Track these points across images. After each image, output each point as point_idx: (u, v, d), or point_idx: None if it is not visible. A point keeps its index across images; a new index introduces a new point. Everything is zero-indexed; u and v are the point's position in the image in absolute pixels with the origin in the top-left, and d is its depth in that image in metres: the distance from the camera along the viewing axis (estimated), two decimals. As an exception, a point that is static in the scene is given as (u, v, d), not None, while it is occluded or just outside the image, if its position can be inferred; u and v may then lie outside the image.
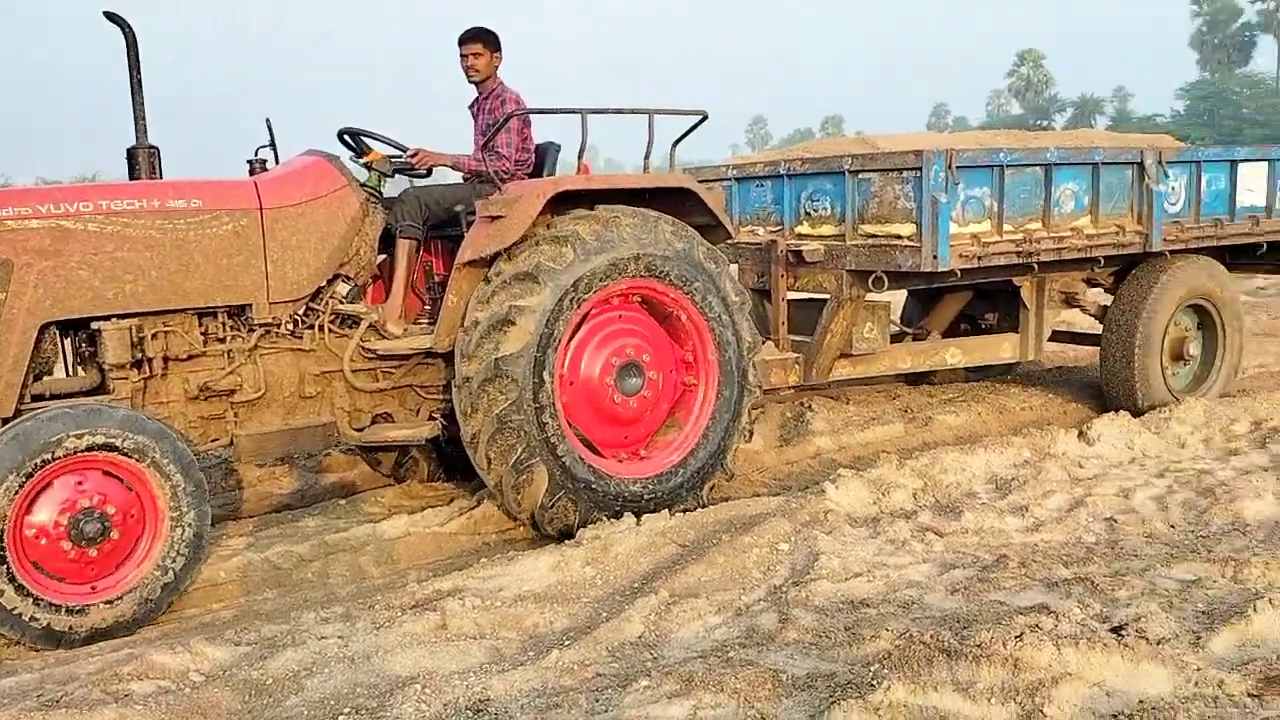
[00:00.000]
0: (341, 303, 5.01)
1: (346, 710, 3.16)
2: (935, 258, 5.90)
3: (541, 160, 5.66)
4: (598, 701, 3.11)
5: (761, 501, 5.14)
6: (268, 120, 5.32)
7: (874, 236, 6.18)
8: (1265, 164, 7.37)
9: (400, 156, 5.34)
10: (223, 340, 4.74)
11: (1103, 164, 6.55)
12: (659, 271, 5.06)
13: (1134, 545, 4.37)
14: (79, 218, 4.29)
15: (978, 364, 7.46)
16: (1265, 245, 7.55)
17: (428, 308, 5.43)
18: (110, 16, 4.59)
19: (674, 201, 5.27)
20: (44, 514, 4.02)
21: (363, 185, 5.07)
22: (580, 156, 5.16)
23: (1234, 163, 7.22)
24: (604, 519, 4.89)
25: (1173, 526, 4.68)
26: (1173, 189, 6.88)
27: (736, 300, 5.35)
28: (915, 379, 8.10)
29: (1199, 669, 3.01)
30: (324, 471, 6.23)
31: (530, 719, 3.01)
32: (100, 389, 4.53)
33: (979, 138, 7.68)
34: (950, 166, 5.90)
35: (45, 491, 4.03)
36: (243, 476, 5.99)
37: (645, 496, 5.05)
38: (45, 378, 4.52)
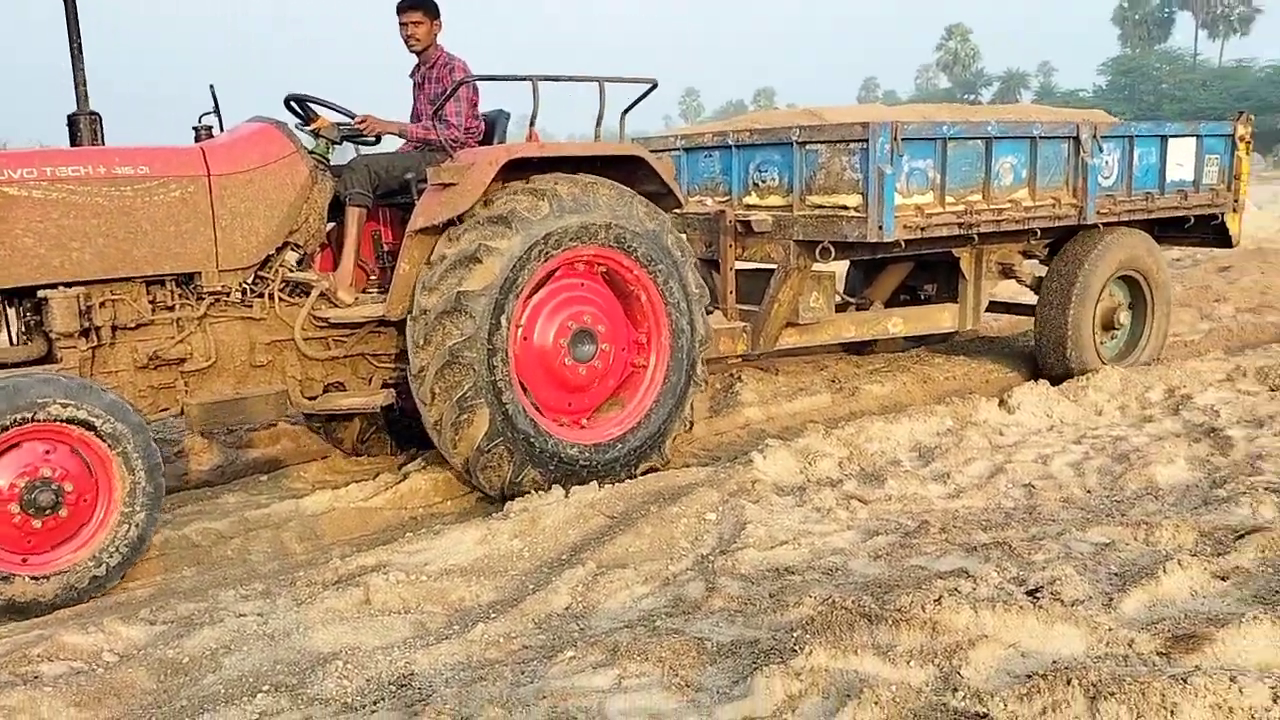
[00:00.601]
0: (291, 271, 4.94)
1: (266, 688, 3.10)
2: (881, 228, 5.97)
3: (491, 128, 5.65)
4: (523, 673, 3.10)
5: (690, 472, 5.16)
6: (211, 87, 5.21)
7: (821, 207, 6.24)
8: (1193, 139, 7.55)
9: (348, 124, 5.26)
10: (171, 309, 4.69)
11: (1040, 138, 6.66)
12: (628, 245, 5.12)
13: (1051, 510, 4.47)
14: (23, 184, 4.21)
15: (919, 333, 7.58)
16: (1192, 219, 7.76)
17: (374, 277, 5.39)
18: None
19: (625, 170, 5.28)
20: (2, 475, 3.93)
21: (311, 152, 5.01)
22: (531, 124, 5.13)
23: (1164, 138, 7.38)
24: (536, 478, 4.90)
25: (1089, 491, 4.80)
26: (1106, 163, 7.03)
27: (696, 292, 5.42)
28: (853, 348, 8.21)
29: (1110, 629, 3.09)
30: (246, 447, 6.10)
31: (454, 692, 2.99)
32: (47, 358, 4.45)
33: (922, 110, 7.76)
34: (895, 139, 5.95)
35: (11, 451, 3.95)
36: (160, 452, 5.83)
37: (580, 462, 5.06)
38: None
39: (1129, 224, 7.38)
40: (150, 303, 4.64)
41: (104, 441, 4.05)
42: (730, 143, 6.76)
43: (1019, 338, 8.96)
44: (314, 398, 5.08)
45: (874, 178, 5.92)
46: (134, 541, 4.16)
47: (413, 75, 5.65)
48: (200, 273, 4.68)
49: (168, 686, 3.21)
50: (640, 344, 5.41)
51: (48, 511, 3.99)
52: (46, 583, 4.00)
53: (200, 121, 5.09)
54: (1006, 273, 7.30)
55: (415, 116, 5.60)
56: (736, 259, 6.52)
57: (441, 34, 5.52)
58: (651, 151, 5.45)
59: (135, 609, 3.84)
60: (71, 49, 4.57)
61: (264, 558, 4.62)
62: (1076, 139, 6.82)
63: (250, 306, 4.87)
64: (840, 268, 7.53)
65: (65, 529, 4.07)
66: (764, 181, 6.58)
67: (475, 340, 4.68)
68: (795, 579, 3.77)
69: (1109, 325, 7.36)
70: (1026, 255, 7.39)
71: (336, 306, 5.00)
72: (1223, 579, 3.51)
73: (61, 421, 3.96)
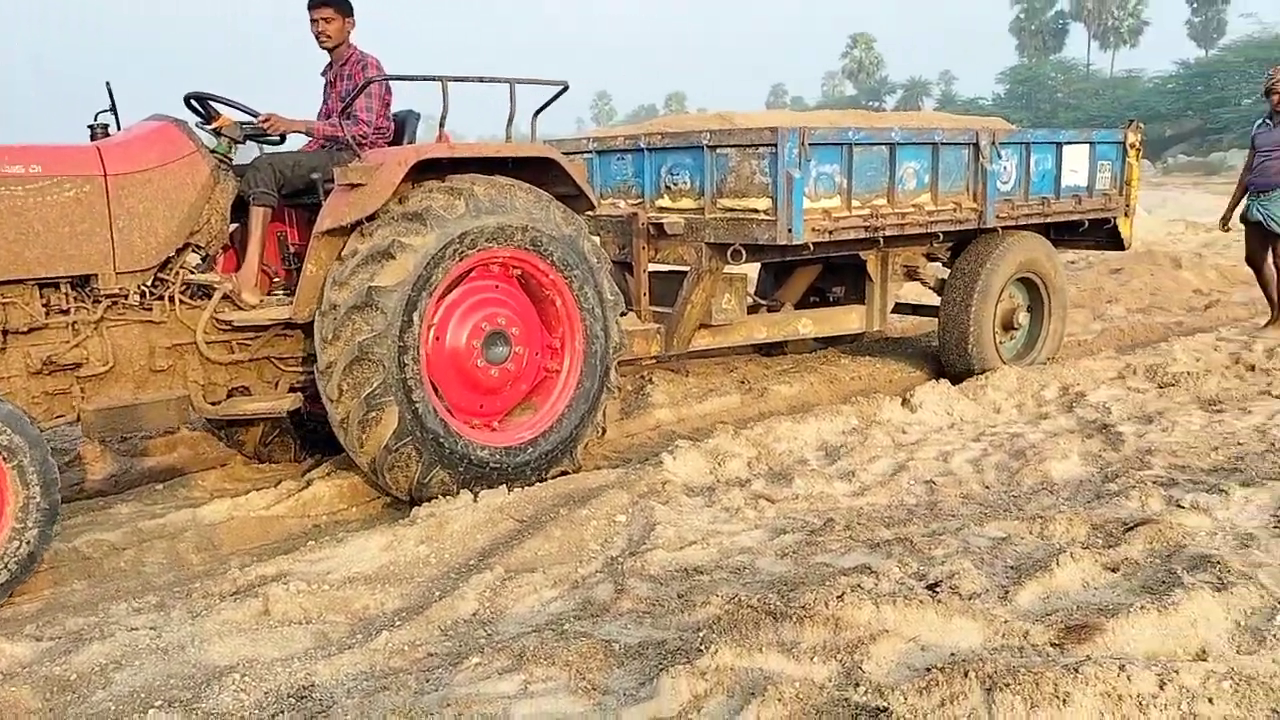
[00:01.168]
0: (192, 272, 4.81)
1: (158, 703, 3.00)
2: (790, 231, 6.06)
3: (401, 129, 5.57)
4: (427, 681, 3.05)
5: (600, 474, 5.15)
6: (108, 84, 5.03)
7: (732, 210, 6.31)
8: (1087, 147, 7.82)
9: (251, 122, 5.12)
10: (66, 312, 4.52)
11: (942, 144, 6.83)
12: (544, 249, 5.11)
13: (951, 506, 4.57)
14: None
15: (828, 334, 7.70)
16: (1087, 223, 8.06)
17: (279, 279, 5.27)
18: None
19: (537, 171, 5.26)
20: None
21: (213, 152, 4.88)
22: (442, 125, 5.08)
23: (1059, 145, 7.63)
24: (444, 479, 4.83)
25: (987, 487, 4.92)
26: (1005, 169, 7.24)
27: (611, 299, 5.42)
28: (764, 349, 8.31)
29: (1006, 621, 3.16)
30: (142, 455, 5.90)
31: (356, 702, 2.93)
32: None
33: (829, 117, 7.90)
34: (804, 144, 6.05)
35: None
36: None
37: (490, 464, 5.00)
38: None
39: (1027, 228, 7.61)
40: (44, 306, 4.47)
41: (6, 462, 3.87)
42: (642, 146, 6.79)
43: (921, 338, 9.17)
44: (217, 403, 4.95)
45: (783, 182, 6.01)
46: (24, 559, 3.96)
47: (324, 73, 5.56)
48: (96, 275, 4.53)
49: (54, 705, 3.08)
50: (554, 349, 5.38)
51: None
52: None
53: (96, 120, 4.94)
54: (911, 275, 7.47)
55: (325, 115, 5.49)
56: (649, 261, 6.55)
57: (354, 32, 5.45)
58: (564, 154, 5.45)
59: (21, 625, 3.68)
60: None
61: (159, 569, 4.46)
62: (976, 146, 7.01)
63: (150, 309, 4.73)
64: (751, 270, 7.61)
65: None
66: (676, 185, 6.62)
67: (386, 336, 4.59)
68: (703, 579, 3.78)
69: (1008, 325, 7.57)
70: (930, 258, 7.57)
71: (240, 308, 4.87)
72: (1113, 570, 3.62)
73: None
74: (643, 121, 8.83)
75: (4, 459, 3.88)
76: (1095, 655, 2.89)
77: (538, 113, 5.44)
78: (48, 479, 3.99)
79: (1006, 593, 3.44)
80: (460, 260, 4.84)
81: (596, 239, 5.46)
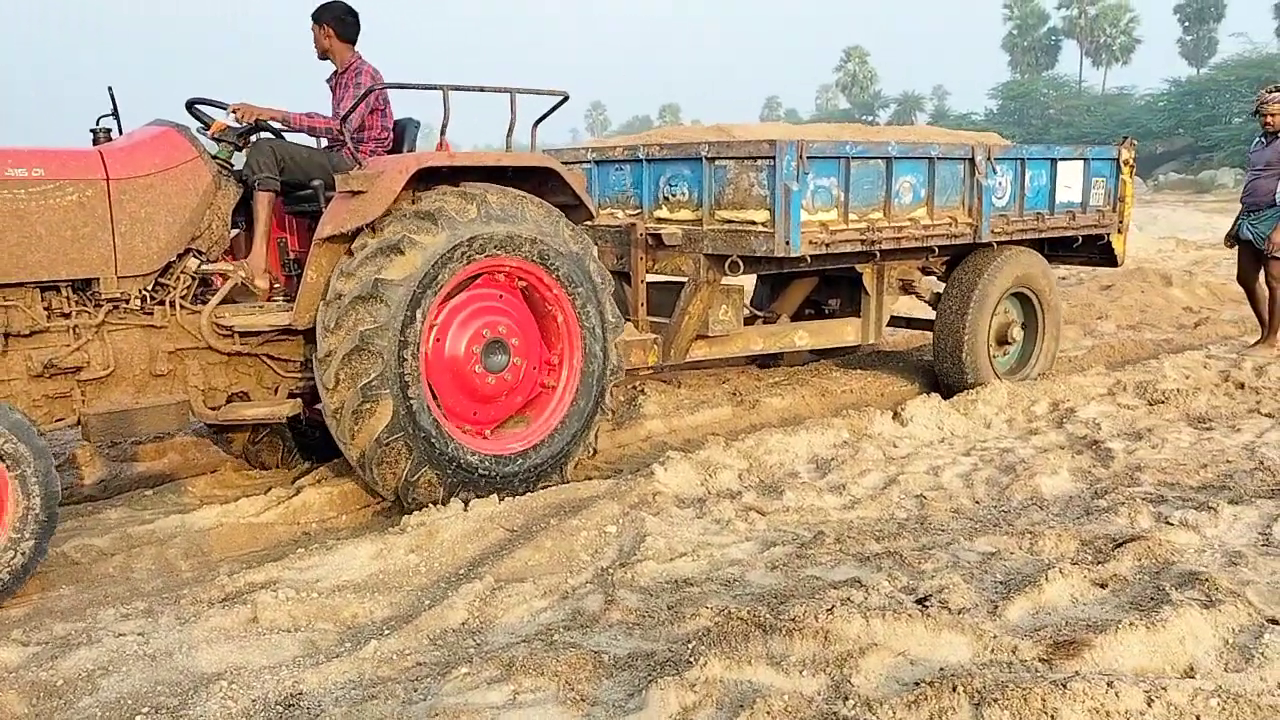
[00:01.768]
0: (206, 263, 4.87)
1: (145, 710, 2.99)
2: (788, 243, 6.07)
3: (400, 137, 5.63)
4: (415, 691, 3.05)
5: (591, 485, 5.15)
6: (110, 89, 5.08)
7: (730, 222, 6.33)
8: (1081, 163, 7.86)
9: (239, 123, 5.17)
10: (67, 315, 4.54)
11: (938, 159, 6.85)
12: (550, 263, 5.15)
13: (941, 520, 4.58)
14: None
15: (823, 346, 7.72)
16: (1080, 238, 8.09)
17: (278, 285, 5.29)
18: None
19: (536, 181, 5.29)
20: None
21: (214, 157, 4.92)
22: (443, 133, 5.10)
23: (1054, 161, 7.67)
24: (432, 480, 4.83)
25: (977, 502, 4.94)
26: (1000, 184, 7.27)
27: (613, 321, 5.46)
28: (759, 360, 8.36)
29: (995, 636, 3.17)
30: (132, 460, 5.89)
31: (343, 711, 2.92)
32: None
33: (826, 130, 7.93)
34: (801, 156, 6.07)
35: None
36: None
37: (479, 470, 5.00)
38: None
39: (1022, 243, 7.65)
40: (45, 309, 4.49)
41: (2, 462, 3.85)
42: (641, 157, 6.81)
43: (912, 352, 9.19)
44: (217, 408, 4.95)
45: (781, 194, 6.03)
46: (17, 570, 3.92)
47: (329, 81, 5.66)
48: (98, 279, 4.55)
49: (41, 710, 3.07)
50: (552, 365, 5.40)
51: None
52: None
53: (98, 124, 4.97)
54: (906, 289, 7.49)
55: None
56: (647, 271, 6.58)
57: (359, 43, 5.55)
58: (563, 163, 5.47)
59: (7, 630, 3.65)
60: None
61: (147, 575, 4.44)
62: (972, 160, 7.04)
63: (150, 314, 4.75)
64: (747, 282, 7.64)
65: None
66: (674, 196, 6.64)
67: (388, 329, 4.60)
68: (693, 590, 3.78)
69: (1003, 340, 7.60)
70: (925, 272, 7.61)
71: (244, 310, 4.90)
72: (1102, 586, 3.64)
73: None
74: (637, 132, 8.88)
75: (7, 467, 3.86)
76: (1084, 671, 2.91)
77: (537, 122, 5.48)
78: (49, 491, 3.97)
79: (996, 608, 3.45)
80: (468, 263, 4.86)
81: (602, 265, 5.52)
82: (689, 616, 3.42)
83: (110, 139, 4.92)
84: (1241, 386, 7.07)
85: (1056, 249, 8.26)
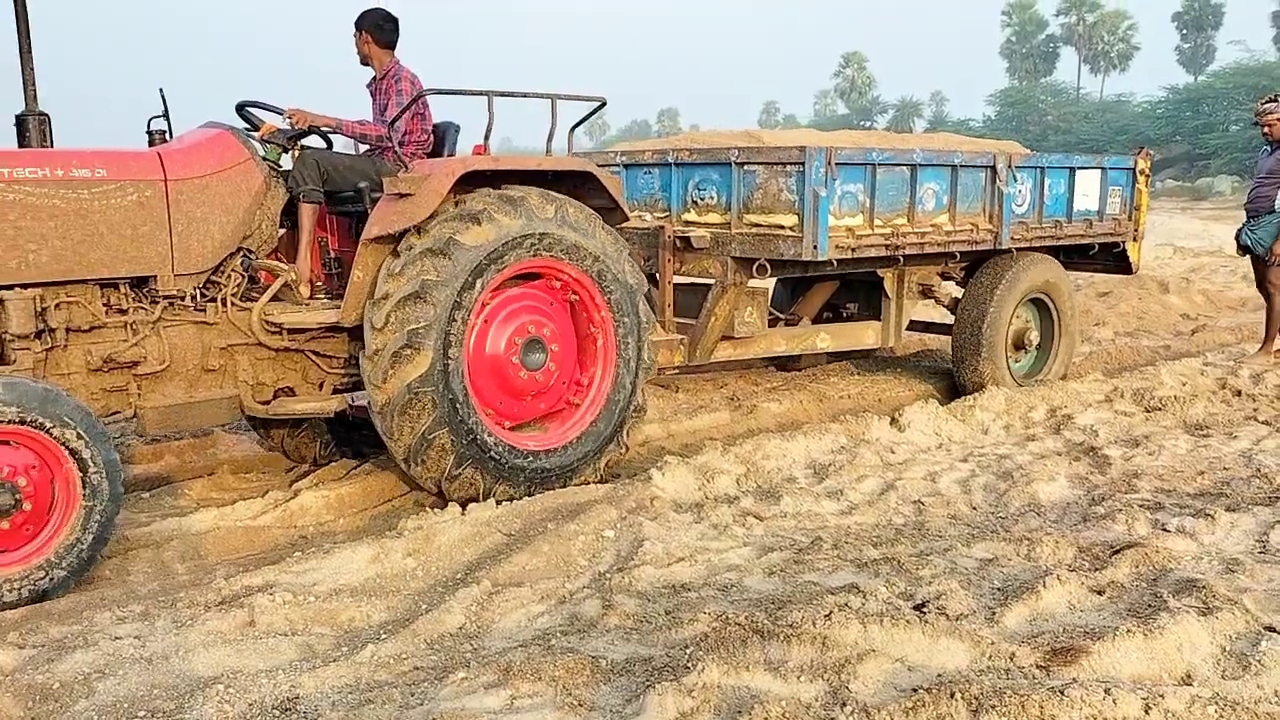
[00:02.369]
0: (256, 259, 5.01)
1: (141, 713, 2.98)
2: (815, 248, 6.19)
3: (441, 140, 5.77)
4: (412, 695, 3.04)
5: (589, 489, 5.14)
6: (161, 90, 5.21)
7: (758, 226, 6.45)
8: (1099, 172, 7.99)
9: (287, 125, 5.31)
10: (125, 312, 4.69)
11: (961, 166, 6.98)
12: (606, 285, 5.34)
13: (939, 526, 4.58)
14: None
15: (844, 349, 7.83)
16: (1096, 246, 8.21)
17: (319, 284, 5.42)
18: None
19: (573, 183, 5.41)
20: None
21: (264, 159, 5.04)
22: (486, 138, 5.23)
23: (1072, 170, 7.80)
24: (473, 475, 4.95)
25: (974, 508, 4.94)
26: (1020, 192, 7.40)
27: (646, 363, 5.59)
28: (774, 363, 8.46)
29: (993, 643, 3.17)
30: (128, 463, 5.87)
31: (340, 715, 2.91)
32: None
33: (853, 137, 8.08)
34: (830, 163, 6.18)
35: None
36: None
37: (492, 453, 5.03)
38: None
39: (1040, 250, 7.77)
40: (104, 305, 4.63)
41: (69, 454, 4.01)
42: (670, 161, 6.94)
43: (910, 358, 9.20)
44: (266, 402, 5.10)
45: (809, 199, 6.14)
46: (83, 561, 4.11)
47: (369, 85, 5.77)
48: (155, 276, 4.69)
49: (37, 713, 3.06)
50: (580, 385, 5.51)
51: (4, 514, 3.94)
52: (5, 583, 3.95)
53: (150, 125, 5.13)
54: (926, 293, 7.66)
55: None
56: (674, 273, 6.71)
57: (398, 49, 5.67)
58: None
59: (4, 632, 3.64)
60: (20, 48, 4.56)
61: (144, 578, 4.43)
62: (993, 169, 7.17)
63: (203, 311, 4.88)
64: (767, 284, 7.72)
65: (19, 535, 4.02)
66: (703, 199, 6.77)
67: (434, 328, 4.73)
68: (691, 595, 3.78)
69: (1020, 345, 7.72)
70: (944, 277, 7.74)
71: (293, 308, 5.04)
72: (1099, 593, 3.64)
73: (46, 437, 3.95)
74: (635, 136, 8.92)
75: (74, 459, 4.02)
76: (1081, 678, 2.91)
77: (575, 126, 5.63)
78: (113, 481, 4.12)
79: (993, 614, 3.45)
80: (531, 257, 5.04)
81: (654, 317, 5.75)
82: (687, 622, 3.42)
83: (166, 140, 5.09)
84: (1239, 394, 7.08)
85: (1073, 256, 8.38)
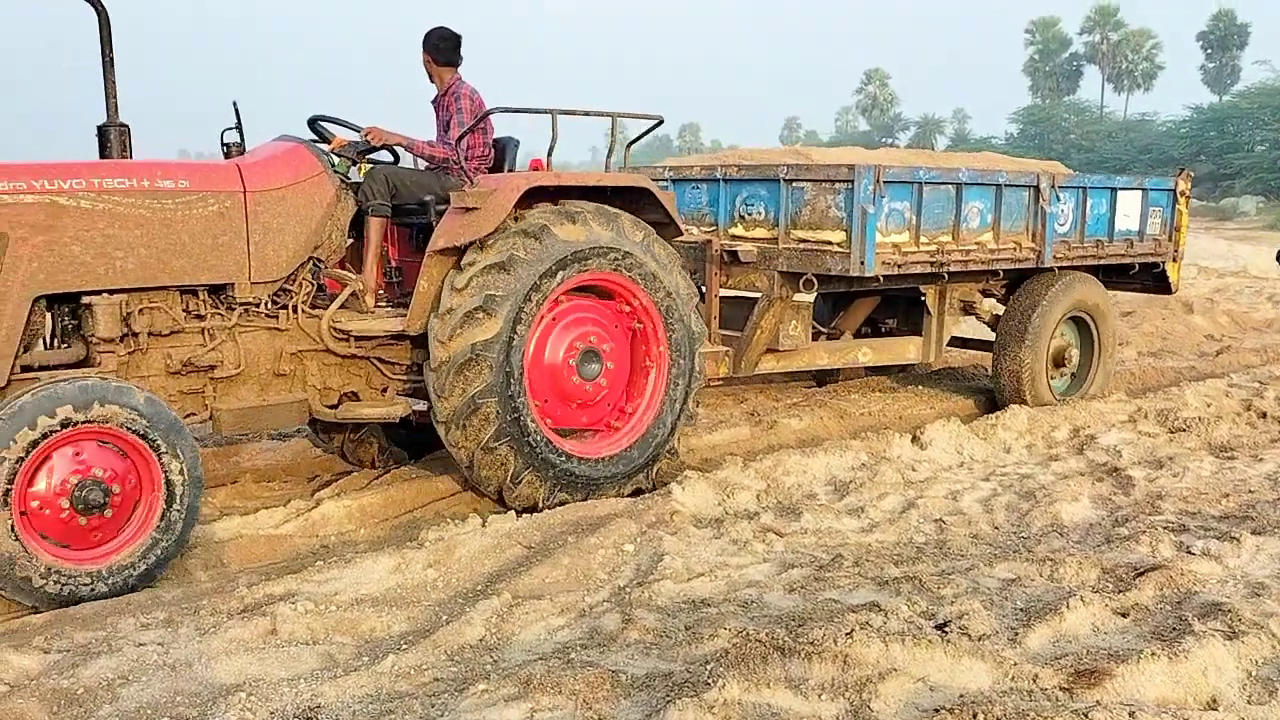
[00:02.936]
0: (326, 269, 5.19)
1: (165, 720, 3.00)
2: (863, 263, 6.30)
3: (502, 154, 5.91)
4: (433, 706, 3.05)
5: (608, 503, 5.15)
6: (235, 103, 5.46)
7: (805, 241, 6.56)
8: (1140, 193, 8.04)
9: (361, 141, 5.50)
10: (203, 317, 4.88)
11: (1005, 185, 7.06)
12: (671, 324, 5.55)
13: (960, 545, 4.56)
14: (73, 194, 4.39)
15: (885, 363, 7.95)
16: (1136, 266, 8.25)
17: (381, 292, 5.57)
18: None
19: (629, 198, 5.56)
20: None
21: (334, 171, 5.21)
22: (549, 154, 5.41)
23: (1114, 190, 7.85)
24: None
25: (996, 528, 4.91)
26: (1062, 211, 7.47)
27: (690, 412, 5.74)
28: (812, 376, 8.56)
29: (1015, 664, 3.16)
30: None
31: (362, 725, 2.92)
32: (84, 362, 4.60)
33: (899, 156, 8.23)
34: (878, 181, 6.29)
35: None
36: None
37: (530, 438, 5.11)
38: (31, 350, 4.55)
39: (1081, 269, 7.81)
40: (184, 311, 4.84)
41: (157, 454, 4.22)
42: (718, 176, 7.07)
43: (931, 376, 9.16)
44: (334, 407, 5.27)
45: (858, 216, 6.25)
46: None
47: (434, 100, 5.92)
48: (233, 284, 4.88)
49: (61, 718, 3.08)
50: (624, 412, 5.64)
51: (96, 510, 4.12)
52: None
53: (224, 137, 5.41)
54: (967, 310, 7.74)
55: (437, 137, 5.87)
56: (720, 286, 6.82)
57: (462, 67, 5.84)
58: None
59: (29, 636, 3.68)
60: (104, 62, 4.73)
61: (167, 585, 4.46)
62: (1037, 188, 7.24)
63: (275, 317, 5.06)
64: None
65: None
66: (750, 214, 6.89)
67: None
68: (711, 611, 3.77)
69: (1060, 363, 7.79)
70: (984, 294, 7.80)
71: (359, 316, 5.21)
72: (1123, 615, 3.62)
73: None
74: (658, 151, 8.99)
75: (160, 459, 4.23)
76: (1105, 701, 2.89)
77: (632, 143, 5.76)
78: (195, 482, 4.34)
79: (1016, 635, 3.43)
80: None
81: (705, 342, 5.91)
82: (707, 637, 3.41)
83: (241, 151, 5.33)
84: (1264, 416, 7.03)
85: (1112, 275, 8.41)
